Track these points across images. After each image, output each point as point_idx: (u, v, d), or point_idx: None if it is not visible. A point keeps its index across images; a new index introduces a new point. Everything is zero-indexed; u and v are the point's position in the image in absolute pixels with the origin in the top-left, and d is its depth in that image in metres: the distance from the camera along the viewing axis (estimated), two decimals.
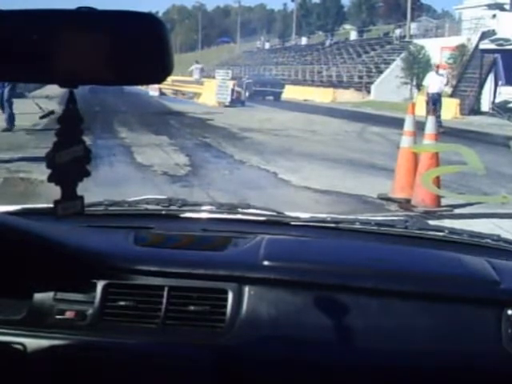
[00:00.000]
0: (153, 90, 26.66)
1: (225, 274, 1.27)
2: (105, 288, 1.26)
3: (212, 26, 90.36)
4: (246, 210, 1.71)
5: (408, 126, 6.26)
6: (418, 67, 26.05)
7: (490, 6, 29.28)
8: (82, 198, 0.87)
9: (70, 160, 0.84)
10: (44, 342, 1.21)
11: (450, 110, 20.28)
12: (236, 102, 21.92)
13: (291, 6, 70.07)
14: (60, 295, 1.26)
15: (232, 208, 1.72)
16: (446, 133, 11.43)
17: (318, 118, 17.63)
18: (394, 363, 1.21)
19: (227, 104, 21.24)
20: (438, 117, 13.43)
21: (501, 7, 29.19)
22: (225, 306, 1.25)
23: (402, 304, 1.25)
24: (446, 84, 16.71)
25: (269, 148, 10.32)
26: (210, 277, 1.27)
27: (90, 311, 1.25)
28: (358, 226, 1.63)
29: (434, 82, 16.09)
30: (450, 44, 27.23)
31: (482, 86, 24.68)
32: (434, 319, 1.23)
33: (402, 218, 2.24)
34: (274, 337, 1.22)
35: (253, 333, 1.22)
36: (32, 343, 1.21)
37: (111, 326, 1.24)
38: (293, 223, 1.62)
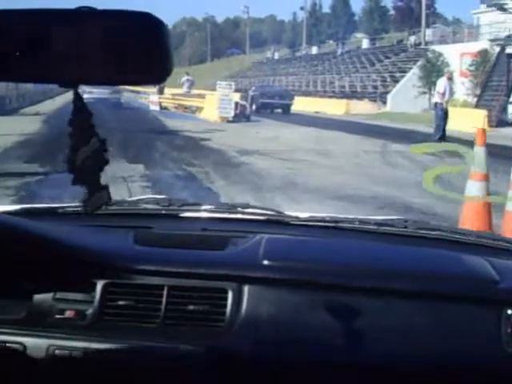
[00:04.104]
0: (153, 105, 25.74)
1: (225, 274, 1.29)
2: (104, 287, 1.27)
3: (222, 38, 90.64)
4: (245, 210, 1.71)
5: (479, 164, 4.00)
6: (436, 75, 24.33)
7: (489, 5, 27.80)
8: (107, 186, 0.87)
9: (88, 156, 0.84)
10: (44, 342, 1.23)
11: (478, 122, 18.53)
12: (240, 116, 20.16)
13: (301, 16, 68.96)
14: (60, 295, 1.27)
15: (232, 208, 1.73)
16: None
17: (330, 134, 15.89)
18: (393, 363, 1.22)
19: (230, 119, 19.45)
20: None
21: (500, 7, 27.93)
22: (225, 306, 1.26)
23: (402, 303, 1.26)
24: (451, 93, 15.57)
25: (269, 180, 8.11)
26: (209, 276, 1.29)
27: (90, 311, 1.26)
28: (357, 225, 1.64)
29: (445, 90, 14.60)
30: (469, 50, 26.03)
31: (509, 95, 22.87)
32: (434, 319, 1.24)
33: (401, 217, 1.76)
34: (273, 336, 1.24)
35: (253, 332, 1.24)
36: (32, 343, 1.22)
37: (111, 325, 1.25)
38: (292, 223, 1.64)
